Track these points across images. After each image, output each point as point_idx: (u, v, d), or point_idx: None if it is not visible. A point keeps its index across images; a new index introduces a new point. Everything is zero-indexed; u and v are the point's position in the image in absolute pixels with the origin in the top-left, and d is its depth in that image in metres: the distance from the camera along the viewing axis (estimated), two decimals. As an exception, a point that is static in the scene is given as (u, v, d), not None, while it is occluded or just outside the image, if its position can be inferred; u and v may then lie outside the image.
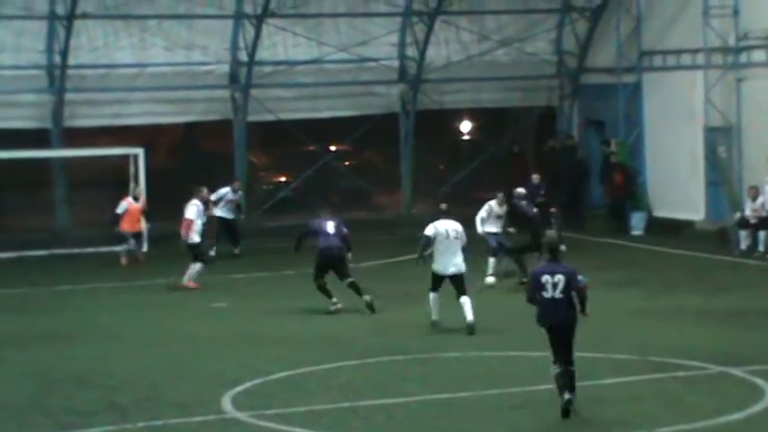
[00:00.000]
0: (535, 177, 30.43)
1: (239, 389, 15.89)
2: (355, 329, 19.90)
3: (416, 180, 34.46)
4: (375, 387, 15.99)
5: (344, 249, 21.39)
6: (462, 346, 18.20)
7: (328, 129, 34.32)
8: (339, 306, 21.19)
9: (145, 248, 28.46)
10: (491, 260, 24.10)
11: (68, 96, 31.26)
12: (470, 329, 19.11)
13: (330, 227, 21.46)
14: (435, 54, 34.08)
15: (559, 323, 14.17)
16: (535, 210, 24.36)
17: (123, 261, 27.62)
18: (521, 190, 24.65)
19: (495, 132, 36.06)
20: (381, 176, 35.81)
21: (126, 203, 28.07)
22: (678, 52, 31.50)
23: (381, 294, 22.46)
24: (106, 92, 31.74)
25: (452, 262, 19.40)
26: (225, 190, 28.94)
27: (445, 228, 19.57)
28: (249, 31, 32.39)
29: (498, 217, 24.39)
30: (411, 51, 34.03)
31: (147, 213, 28.66)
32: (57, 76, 31.11)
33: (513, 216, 24.41)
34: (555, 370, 14.25)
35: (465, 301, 19.34)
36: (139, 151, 30.08)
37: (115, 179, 30.21)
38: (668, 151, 31.75)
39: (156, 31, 31.94)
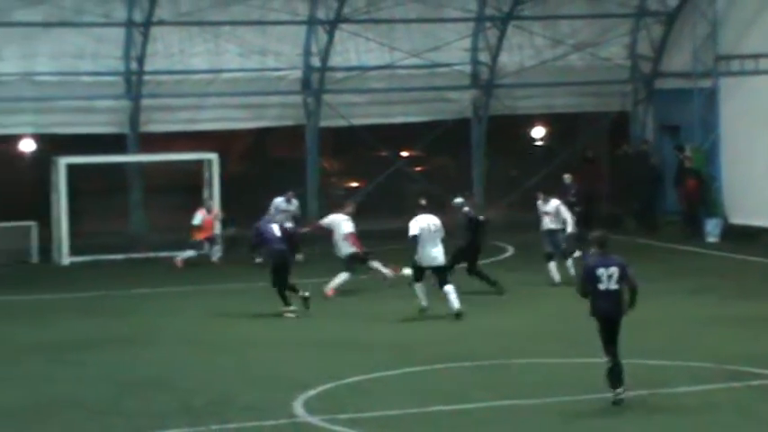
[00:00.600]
0: (567, 177, 30.06)
1: (311, 393, 16.06)
2: (424, 336, 20.00)
3: (488, 186, 34.48)
4: (443, 393, 16.09)
5: (289, 253, 21.79)
6: (530, 353, 18.24)
7: (400, 134, 34.44)
8: (293, 315, 21.49)
9: (220, 253, 28.83)
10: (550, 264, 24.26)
11: (144, 102, 31.74)
12: (459, 316, 20.74)
13: (276, 230, 21.74)
14: (508, 59, 34.08)
15: (613, 314, 14.75)
16: (480, 217, 24.16)
17: (179, 263, 28.02)
18: (459, 200, 24.38)
19: (567, 138, 35.98)
20: (453, 182, 35.83)
21: (201, 215, 28.44)
22: (756, 56, 31.20)
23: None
24: (181, 97, 32.19)
25: (434, 254, 20.97)
26: (279, 200, 28.96)
27: (426, 222, 21.23)
28: (322, 36, 32.64)
29: (545, 214, 24.65)
30: (483, 56, 34.08)
31: (231, 219, 28.91)
32: (133, 82, 31.60)
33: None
34: (608, 364, 14.76)
35: (449, 290, 20.97)
36: (213, 156, 30.45)
37: (189, 184, 30.59)
38: (745, 157, 31.46)
39: (231, 38, 32.31)
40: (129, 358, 18.68)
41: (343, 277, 23.75)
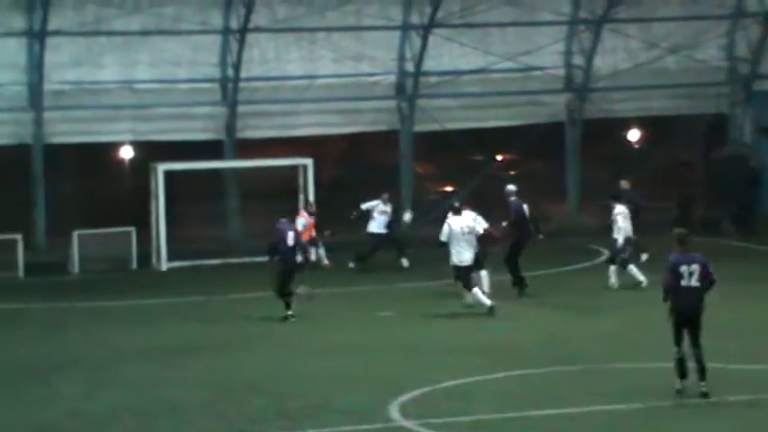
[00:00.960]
0: (624, 183, 28.57)
1: (407, 397, 16.01)
2: (523, 339, 19.85)
3: (582, 189, 34.15)
4: (543, 397, 15.93)
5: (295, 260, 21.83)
6: (633, 357, 17.99)
7: (494, 138, 34.29)
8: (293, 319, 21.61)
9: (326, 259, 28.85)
10: (632, 267, 23.87)
11: (240, 108, 32.00)
12: (492, 311, 21.28)
13: (290, 238, 21.84)
14: (602, 62, 33.76)
15: (695, 310, 15.30)
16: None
17: (329, 265, 28.20)
18: (512, 188, 24.12)
19: (662, 141, 35.50)
20: (547, 186, 35.57)
21: (304, 219, 28.34)
22: None
23: (549, 304, 22.39)
24: (277, 103, 32.39)
25: (466, 255, 21.41)
26: (375, 202, 28.81)
27: (459, 225, 21.56)
28: (416, 41, 32.63)
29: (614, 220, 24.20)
30: (577, 60, 33.78)
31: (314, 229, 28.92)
32: (230, 89, 31.87)
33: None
34: (677, 355, 15.34)
35: (484, 274, 22.32)
36: (308, 162, 30.57)
37: (285, 189, 30.75)
38: None
39: (325, 44, 32.44)
40: (226, 363, 18.80)
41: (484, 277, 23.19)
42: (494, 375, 17.21)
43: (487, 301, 21.53)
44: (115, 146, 33.65)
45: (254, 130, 32.53)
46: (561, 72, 33.91)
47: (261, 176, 32.32)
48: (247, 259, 29.55)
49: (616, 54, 33.91)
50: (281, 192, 30.89)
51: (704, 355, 15.31)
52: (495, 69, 33.20)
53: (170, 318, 22.80)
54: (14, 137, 30.95)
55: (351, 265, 27.87)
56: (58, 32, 30.30)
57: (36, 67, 30.38)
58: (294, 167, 30.89)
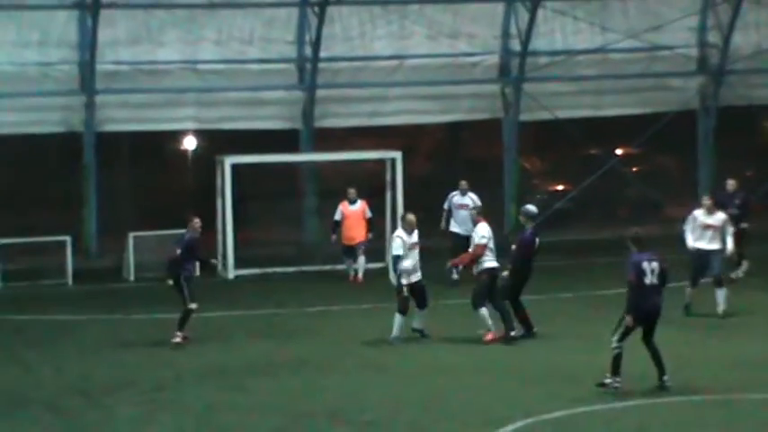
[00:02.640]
0: (730, 184, 27.78)
1: (508, 429, 16.14)
2: (643, 363, 19.86)
3: (717, 188, 33.97)
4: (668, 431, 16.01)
5: None
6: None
7: (613, 129, 34.29)
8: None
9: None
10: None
11: (320, 93, 32.31)
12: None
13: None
14: (742, 40, 33.61)
15: (658, 308, 17.70)
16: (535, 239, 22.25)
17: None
18: (532, 208, 22.74)
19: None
20: (675, 184, 35.48)
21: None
22: None
23: (674, 322, 22.37)
24: (361, 88, 32.64)
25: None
26: (452, 194, 28.46)
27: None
28: (523, 16, 32.71)
29: (706, 227, 23.33)
30: (713, 37, 33.62)
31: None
32: (307, 71, 32.19)
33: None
34: (616, 350, 17.63)
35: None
36: (397, 155, 30.71)
37: (370, 186, 30.97)
38: None
39: (418, 18, 32.66)
40: (301, 385, 19.07)
41: None
42: (608, 405, 17.28)
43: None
44: (176, 135, 34.23)
45: (334, 118, 32.84)
46: (693, 52, 33.78)
47: (342, 172, 32.58)
48: (326, 267, 29.81)
49: (759, 30, 33.72)
50: (366, 190, 31.10)
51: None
52: (614, 49, 33.19)
53: (237, 333, 23.16)
54: (63, 124, 31.61)
55: (454, 276, 27.55)
56: (112, 5, 30.88)
57: (88, 44, 30.99)
58: (381, 161, 31.10)
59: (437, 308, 24.32)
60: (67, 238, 29.65)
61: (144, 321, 24.41)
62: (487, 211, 31.32)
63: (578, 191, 34.35)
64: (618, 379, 17.80)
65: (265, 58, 32.16)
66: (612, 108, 33.93)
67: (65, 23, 31.17)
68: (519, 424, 16.40)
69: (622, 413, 17.01)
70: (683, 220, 24.05)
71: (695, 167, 34.51)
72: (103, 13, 30.84)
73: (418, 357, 20.92)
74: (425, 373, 19.71)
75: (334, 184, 32.40)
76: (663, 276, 17.86)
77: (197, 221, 22.40)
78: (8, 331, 24.34)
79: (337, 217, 28.80)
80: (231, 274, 29.98)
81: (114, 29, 31.21)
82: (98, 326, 24.66)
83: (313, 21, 31.81)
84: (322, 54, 32.06)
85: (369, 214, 28.83)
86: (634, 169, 36.06)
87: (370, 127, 33.58)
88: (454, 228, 27.97)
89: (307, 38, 32.03)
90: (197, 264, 23.20)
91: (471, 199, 28.14)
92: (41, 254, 29.76)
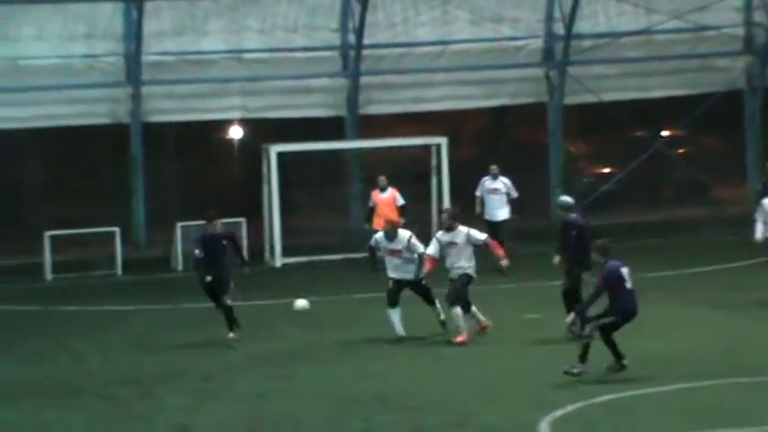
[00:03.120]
0: None
1: (559, 413, 16.08)
2: (694, 346, 19.76)
3: (765, 170, 33.70)
4: (720, 414, 15.88)
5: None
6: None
7: (659, 111, 34.08)
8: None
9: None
10: None
11: (364, 80, 32.29)
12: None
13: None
14: (790, 19, 33.30)
15: (636, 310, 17.97)
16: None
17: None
18: (567, 198, 21.54)
19: None
20: (722, 165, 35.21)
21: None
22: None
23: (725, 305, 22.22)
24: (405, 74, 32.59)
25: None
26: (484, 179, 28.24)
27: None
28: (566, -1, 32.55)
29: None
30: (759, 16, 33.32)
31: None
32: (351, 58, 32.17)
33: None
34: (589, 340, 17.72)
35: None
36: (442, 141, 30.68)
37: (415, 173, 30.92)
38: None
39: (461, 3, 32.58)
40: (350, 372, 19.07)
41: None
42: (660, 388, 17.18)
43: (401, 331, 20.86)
44: (222, 124, 34.25)
45: (379, 104, 32.81)
46: (739, 31, 33.49)
47: (387, 158, 32.54)
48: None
49: (807, 8, 33.42)
50: (411, 176, 31.06)
51: None
52: (659, 30, 32.95)
53: (285, 321, 23.18)
54: (110, 115, 31.71)
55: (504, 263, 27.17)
56: (157, -4, 30.99)
57: (133, 35, 31.07)
58: (425, 147, 31.04)
59: (488, 293, 24.24)
60: (116, 229, 29.78)
61: (193, 311, 24.46)
62: (532, 196, 31.69)
63: (624, 173, 34.16)
64: (585, 367, 17.65)
65: (309, 46, 32.15)
66: (658, 90, 33.71)
67: (110, 15, 31.26)
68: (570, 408, 16.34)
69: (673, 395, 16.91)
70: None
71: (742, 148, 34.22)
72: (148, 5, 30.93)
73: (467, 344, 20.85)
74: (474, 358, 19.65)
75: (380, 170, 32.35)
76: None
77: (213, 215, 21.86)
78: (58, 322, 24.49)
79: (372, 204, 28.75)
80: (279, 262, 30.04)
81: (159, 20, 31.28)
82: (147, 316, 24.76)
83: (356, 8, 31.80)
84: (365, 41, 32.03)
85: (400, 201, 28.61)
86: (680, 151, 35.81)
87: (414, 113, 33.50)
88: (486, 215, 27.83)
89: (350, 25, 31.99)
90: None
91: (503, 183, 28.03)
92: (91, 245, 29.91)
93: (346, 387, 18.13)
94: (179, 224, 29.95)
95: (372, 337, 21.47)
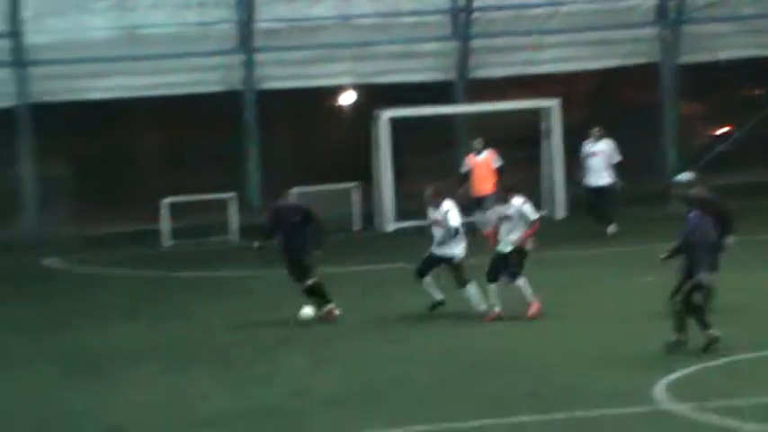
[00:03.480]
0: None
1: (675, 376, 16.01)
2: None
3: None
4: None
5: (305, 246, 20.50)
6: None
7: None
8: (336, 312, 20.47)
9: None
10: None
11: (474, 43, 32.22)
12: None
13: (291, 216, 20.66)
14: None
15: None
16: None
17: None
18: (684, 177, 19.92)
19: None
20: None
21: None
22: None
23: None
24: (516, 36, 32.42)
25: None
26: (586, 142, 27.93)
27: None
28: (680, -44, 32.15)
29: None
30: None
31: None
32: (461, 21, 32.11)
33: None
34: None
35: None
36: (554, 103, 30.56)
37: (525, 136, 30.82)
38: None
39: (573, -36, 32.31)
40: (466, 335, 19.16)
41: None
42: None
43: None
44: (333, 90, 34.40)
45: (489, 68, 32.73)
46: None
47: (497, 122, 32.45)
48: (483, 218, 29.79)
49: None
50: (521, 139, 30.97)
51: None
52: (773, -13, 32.45)
53: (398, 286, 23.28)
54: (223, 83, 32.04)
55: (610, 229, 27.32)
56: (267, -37, 31.19)
57: (246, 2, 31.31)
58: (537, 110, 30.91)
59: (602, 257, 24.18)
60: (232, 195, 30.10)
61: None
62: (644, 158, 31.41)
63: (741, 133, 33.72)
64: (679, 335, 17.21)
65: (419, 10, 32.15)
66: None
67: (223, -18, 31.55)
68: (685, 371, 16.26)
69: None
70: None
71: None
72: (259, -28, 31.17)
73: (580, 306, 20.85)
74: (591, 322, 19.64)
75: (490, 134, 32.31)
76: None
77: (287, 191, 21.57)
78: (178, 288, 24.90)
79: (463, 170, 28.67)
80: (390, 227, 30.16)
81: (270, -14, 31.50)
82: (264, 281, 25.02)
83: (466, -30, 31.71)
84: (475, 4, 31.94)
85: (497, 163, 28.46)
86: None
87: (525, 76, 33.34)
88: (591, 181, 27.58)
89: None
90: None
91: (605, 146, 27.65)
92: (207, 211, 30.27)
93: (461, 351, 18.19)
94: (293, 190, 30.10)
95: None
